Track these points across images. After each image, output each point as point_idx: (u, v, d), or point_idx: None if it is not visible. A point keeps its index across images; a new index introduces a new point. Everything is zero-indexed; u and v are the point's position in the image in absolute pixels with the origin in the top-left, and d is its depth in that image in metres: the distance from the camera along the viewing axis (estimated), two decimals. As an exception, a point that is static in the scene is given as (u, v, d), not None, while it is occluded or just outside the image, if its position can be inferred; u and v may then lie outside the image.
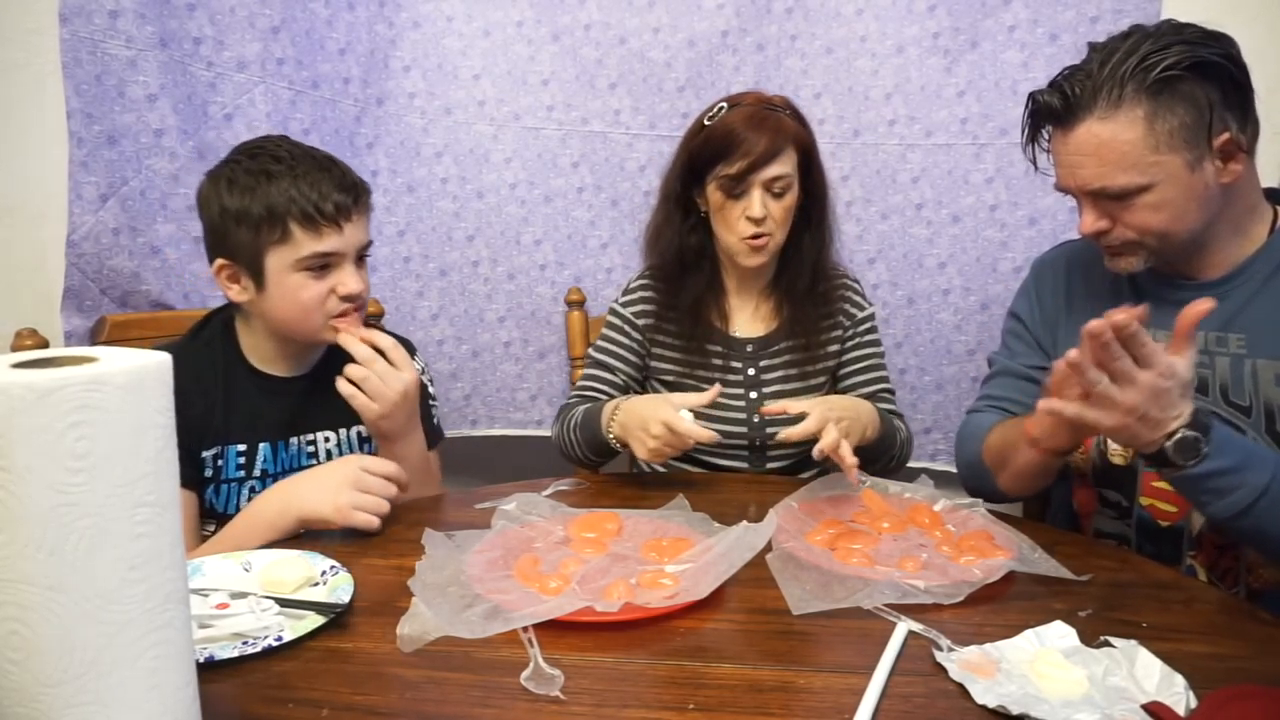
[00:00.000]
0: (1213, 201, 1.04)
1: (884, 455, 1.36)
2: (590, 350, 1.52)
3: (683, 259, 1.44)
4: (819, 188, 1.41)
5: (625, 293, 1.51)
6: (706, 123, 1.37)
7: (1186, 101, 0.99)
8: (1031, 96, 1.08)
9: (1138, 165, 1.00)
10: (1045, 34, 1.71)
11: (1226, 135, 1.00)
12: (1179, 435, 0.91)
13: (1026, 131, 1.11)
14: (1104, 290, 1.19)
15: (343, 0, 1.72)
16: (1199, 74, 0.99)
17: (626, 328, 1.48)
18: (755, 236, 1.35)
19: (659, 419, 1.17)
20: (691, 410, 1.19)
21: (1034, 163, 1.12)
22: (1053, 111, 1.05)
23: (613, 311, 1.51)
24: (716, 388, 1.23)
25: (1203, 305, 0.90)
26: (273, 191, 1.12)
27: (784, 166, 1.33)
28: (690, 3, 1.78)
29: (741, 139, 1.31)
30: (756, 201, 1.32)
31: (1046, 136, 1.10)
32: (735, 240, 1.37)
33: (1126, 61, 0.99)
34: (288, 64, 1.63)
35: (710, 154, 1.35)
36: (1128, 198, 1.03)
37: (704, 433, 1.17)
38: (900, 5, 1.75)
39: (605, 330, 1.51)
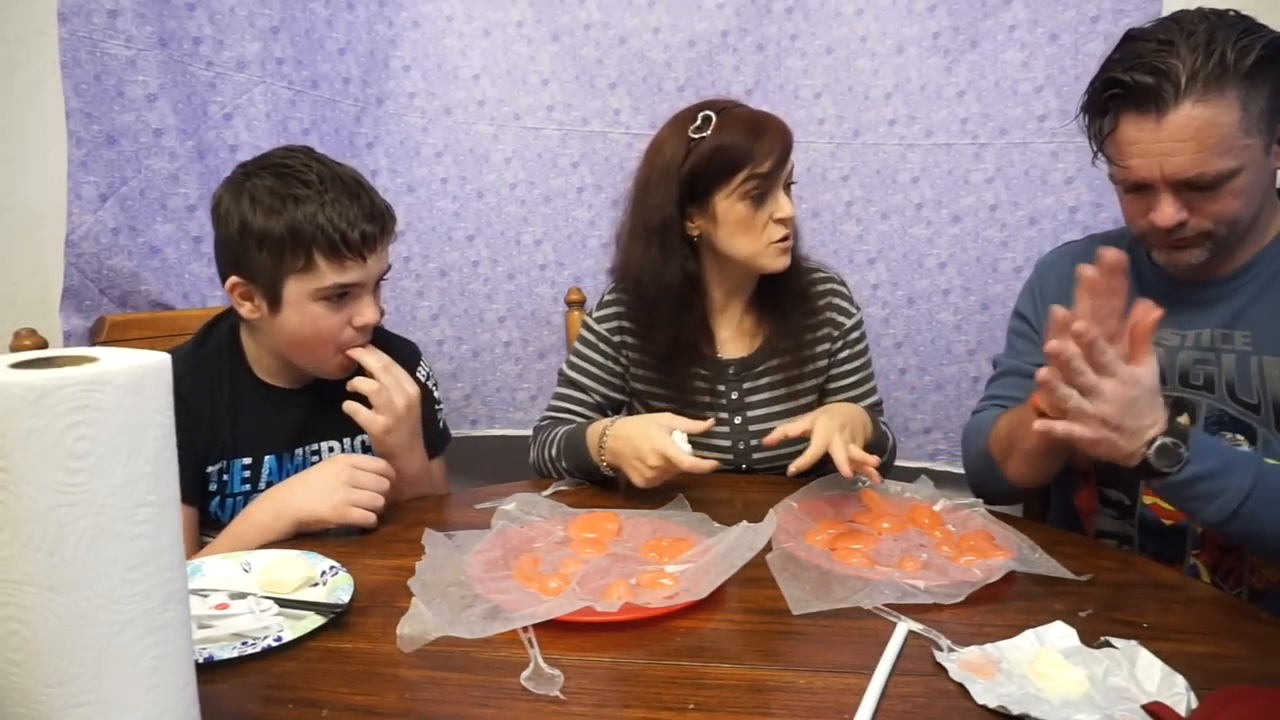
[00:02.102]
0: (1269, 187, 1.04)
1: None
2: (563, 367, 1.44)
3: (666, 295, 1.31)
4: None
5: (599, 306, 1.43)
6: (694, 136, 1.27)
7: (1270, 83, 0.97)
8: (1111, 79, 1.01)
9: (1234, 149, 0.97)
10: (1045, 34, 1.71)
11: None
12: (1158, 443, 0.91)
13: (1094, 119, 1.05)
14: None
15: (343, 0, 1.72)
16: (1277, 57, 0.97)
17: (601, 345, 1.41)
18: (784, 238, 1.29)
19: (655, 449, 1.12)
20: (685, 433, 1.14)
21: (1100, 151, 1.06)
22: (1144, 93, 0.98)
23: (586, 326, 1.43)
24: (711, 421, 1.18)
25: (1154, 314, 0.90)
26: (299, 217, 1.08)
27: (791, 160, 1.30)
28: (690, 3, 1.78)
29: (759, 137, 1.25)
30: (784, 201, 1.27)
31: (1081, 129, 1.06)
32: (762, 247, 1.28)
33: (1216, 42, 0.96)
34: (288, 64, 1.63)
35: (724, 164, 1.26)
36: (1219, 185, 0.99)
37: (705, 464, 1.12)
38: (900, 5, 1.75)
39: (578, 346, 1.43)
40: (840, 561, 0.96)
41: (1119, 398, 0.89)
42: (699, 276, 1.35)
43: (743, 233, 1.28)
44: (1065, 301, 1.23)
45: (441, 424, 1.38)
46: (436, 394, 1.38)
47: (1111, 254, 0.91)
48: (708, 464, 1.13)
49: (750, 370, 1.40)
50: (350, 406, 1.15)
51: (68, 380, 0.53)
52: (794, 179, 1.31)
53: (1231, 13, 1.00)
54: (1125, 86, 1.00)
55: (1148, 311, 0.90)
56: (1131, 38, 1.03)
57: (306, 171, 1.11)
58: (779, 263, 1.30)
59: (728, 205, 1.27)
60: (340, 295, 1.13)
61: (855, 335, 1.41)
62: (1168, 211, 1.01)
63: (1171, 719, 0.68)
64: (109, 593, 0.55)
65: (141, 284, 1.48)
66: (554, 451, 1.31)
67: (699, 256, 1.35)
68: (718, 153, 1.26)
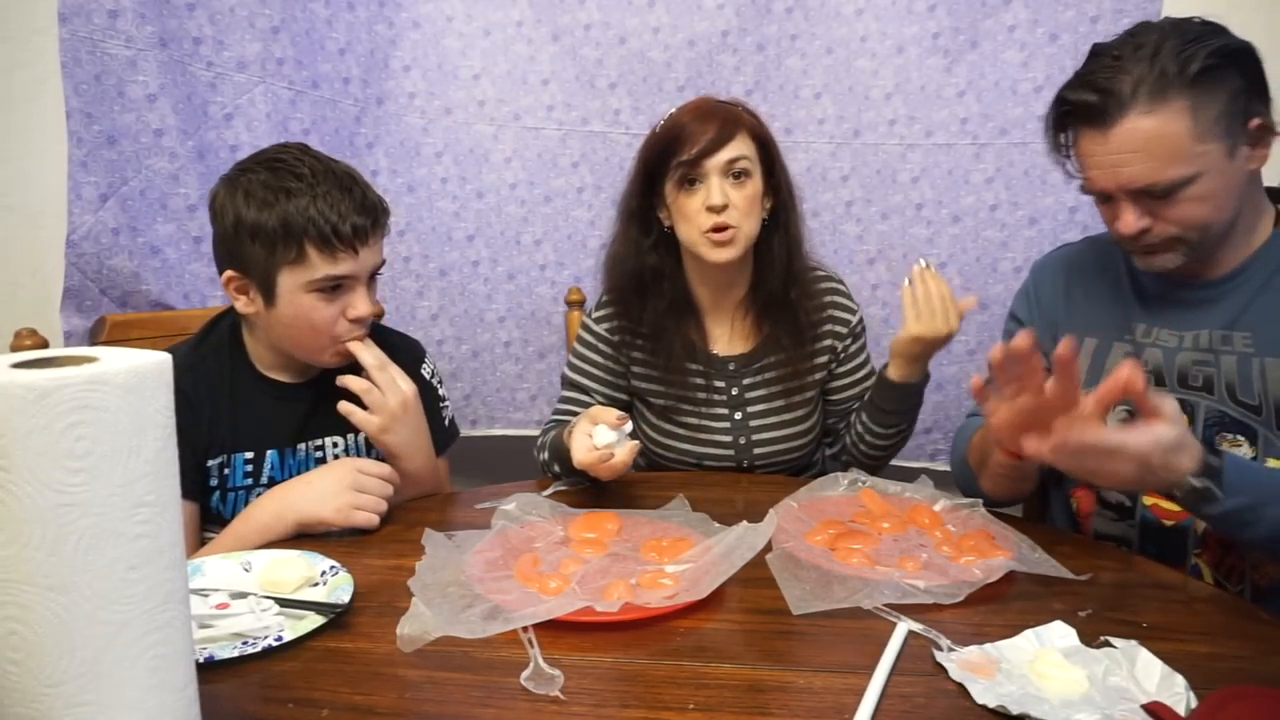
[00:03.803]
0: (1243, 190, 1.04)
1: (899, 430, 1.35)
2: (564, 370, 1.46)
3: (641, 280, 1.37)
4: (784, 188, 1.35)
5: (597, 307, 1.44)
6: (658, 124, 1.34)
7: (1224, 89, 0.98)
8: (1060, 98, 1.05)
9: (1185, 156, 0.98)
10: (1045, 34, 1.71)
11: (1259, 120, 1.01)
12: (1188, 485, 0.90)
13: (1052, 135, 1.08)
14: (1104, 293, 1.19)
15: (343, 0, 1.72)
16: (1231, 61, 0.98)
17: (600, 344, 1.42)
18: (719, 229, 1.28)
19: (579, 458, 1.14)
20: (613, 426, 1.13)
21: (1064, 167, 1.09)
22: (1090, 110, 1.01)
23: (584, 327, 1.44)
24: (624, 416, 1.14)
25: (1139, 379, 0.85)
26: (290, 209, 1.09)
27: (739, 149, 1.28)
28: (690, 3, 1.78)
29: (693, 128, 1.28)
30: (715, 189, 1.26)
31: (1062, 141, 1.08)
32: (698, 235, 1.29)
33: (1162, 54, 0.97)
34: (288, 64, 1.63)
35: (663, 152, 1.30)
36: (1174, 192, 1.00)
37: (605, 454, 1.11)
38: (900, 5, 1.75)
39: (577, 347, 1.45)
40: (840, 561, 0.96)
41: (1144, 449, 0.87)
42: (676, 265, 1.39)
43: (682, 220, 1.32)
44: (1059, 303, 1.24)
45: (447, 421, 1.38)
46: (441, 391, 1.38)
47: (1020, 340, 0.91)
48: (606, 453, 1.11)
49: (750, 367, 1.40)
50: (345, 408, 1.15)
51: (68, 380, 0.53)
52: (743, 169, 1.28)
53: (1197, 20, 1.01)
54: (1070, 105, 1.04)
55: (1129, 373, 0.86)
56: (1094, 53, 1.05)
57: (299, 166, 1.13)
58: (715, 254, 1.30)
59: (671, 192, 1.32)
60: (333, 287, 1.14)
61: (859, 331, 1.44)
62: (1128, 220, 1.04)
63: (1171, 719, 0.68)
64: (109, 593, 0.55)
65: (142, 284, 1.48)
66: (546, 456, 1.33)
67: (677, 246, 1.38)
68: (656, 143, 1.32)
